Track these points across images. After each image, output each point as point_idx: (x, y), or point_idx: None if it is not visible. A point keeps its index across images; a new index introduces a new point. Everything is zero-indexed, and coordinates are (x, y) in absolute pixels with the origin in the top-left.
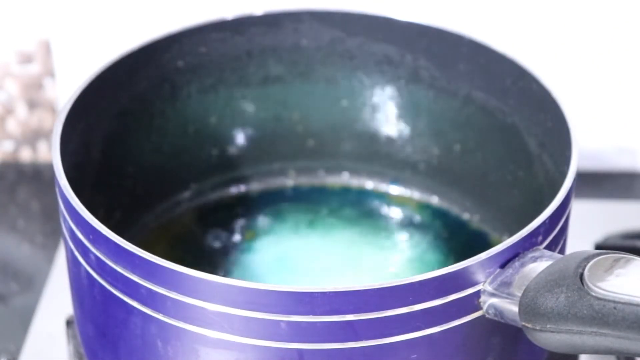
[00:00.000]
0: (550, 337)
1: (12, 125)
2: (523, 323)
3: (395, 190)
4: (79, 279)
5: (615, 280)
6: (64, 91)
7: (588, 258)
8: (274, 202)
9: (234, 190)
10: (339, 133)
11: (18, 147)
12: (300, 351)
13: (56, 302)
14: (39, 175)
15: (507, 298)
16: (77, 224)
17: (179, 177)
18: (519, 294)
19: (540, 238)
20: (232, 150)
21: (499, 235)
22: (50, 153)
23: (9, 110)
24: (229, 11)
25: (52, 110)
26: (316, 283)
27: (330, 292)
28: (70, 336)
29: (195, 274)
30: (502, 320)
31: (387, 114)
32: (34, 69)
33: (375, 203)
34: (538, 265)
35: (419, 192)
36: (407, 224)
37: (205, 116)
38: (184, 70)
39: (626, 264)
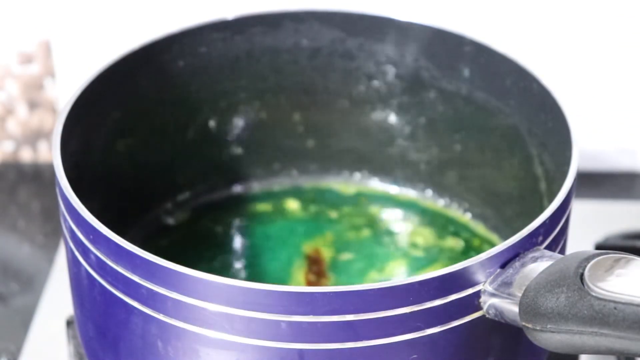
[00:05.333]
0: (550, 338)
1: (13, 126)
2: (523, 323)
3: (395, 190)
4: (79, 279)
5: (615, 281)
6: (64, 91)
7: (588, 258)
8: (274, 202)
9: (234, 190)
10: (339, 133)
11: (18, 147)
12: (300, 351)
13: (56, 302)
14: (40, 176)
15: (507, 298)
16: (77, 224)
17: (179, 177)
18: (519, 294)
19: (540, 238)
20: (232, 150)
21: (499, 235)
22: (51, 153)
23: (10, 111)
24: (229, 11)
25: (53, 110)
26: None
27: (330, 292)
28: (71, 336)
29: (195, 274)
30: (503, 321)
31: (387, 114)
32: (35, 69)
33: (376, 203)
34: (538, 265)
35: (419, 192)
36: (407, 224)
37: (205, 116)
38: (184, 70)
39: (626, 264)
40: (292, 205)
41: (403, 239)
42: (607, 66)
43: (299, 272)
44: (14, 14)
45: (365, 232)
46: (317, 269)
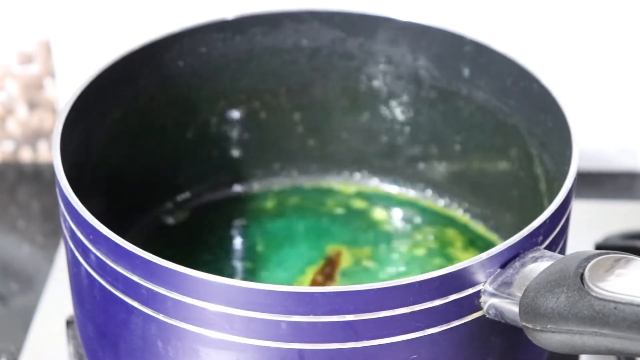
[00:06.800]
0: (550, 338)
1: (13, 126)
2: (523, 323)
3: (395, 190)
4: (79, 279)
5: (615, 281)
6: (64, 91)
7: (588, 258)
8: (274, 202)
9: (234, 190)
10: (339, 133)
11: (18, 147)
12: (300, 351)
13: (56, 302)
14: (39, 175)
15: (507, 298)
16: (77, 224)
17: (180, 177)
18: (520, 294)
19: (540, 238)
20: (232, 150)
21: (499, 235)
22: (51, 153)
23: (10, 110)
24: (229, 11)
25: (53, 110)
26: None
27: (330, 293)
28: (71, 336)
29: (195, 274)
30: (503, 321)
31: (387, 114)
32: (35, 69)
33: (376, 203)
34: (538, 265)
35: (419, 192)
36: (407, 224)
37: (205, 116)
38: (184, 70)
39: (626, 264)
40: (292, 205)
41: (403, 239)
42: (607, 66)
43: (306, 272)
44: (14, 14)
45: (365, 232)
46: (329, 271)
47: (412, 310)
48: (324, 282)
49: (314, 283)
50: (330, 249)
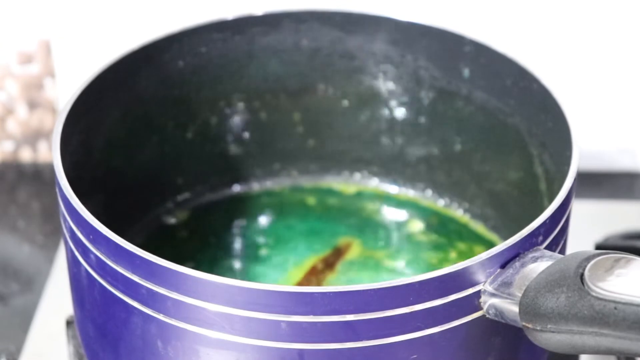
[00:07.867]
0: (550, 338)
1: (13, 125)
2: (523, 323)
3: (395, 190)
4: (79, 279)
5: (615, 281)
6: (64, 91)
7: (588, 258)
8: (274, 202)
9: (234, 190)
10: (339, 133)
11: (18, 147)
12: (300, 351)
13: (56, 302)
14: (39, 175)
15: (507, 298)
16: (77, 224)
17: (180, 177)
18: (520, 294)
19: (540, 238)
20: (232, 150)
21: (499, 235)
22: (51, 153)
23: (10, 110)
24: (229, 11)
25: (53, 110)
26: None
27: (330, 293)
28: (70, 336)
29: (195, 274)
30: (503, 321)
31: (387, 114)
32: (35, 69)
33: (375, 203)
34: (538, 265)
35: (419, 192)
36: (407, 224)
37: (205, 116)
38: (184, 70)
39: (627, 264)
40: (292, 205)
41: (402, 239)
42: (607, 66)
43: (303, 268)
44: (14, 14)
45: (365, 232)
46: (332, 260)
47: (412, 310)
48: (323, 269)
49: (312, 269)
50: (342, 240)
